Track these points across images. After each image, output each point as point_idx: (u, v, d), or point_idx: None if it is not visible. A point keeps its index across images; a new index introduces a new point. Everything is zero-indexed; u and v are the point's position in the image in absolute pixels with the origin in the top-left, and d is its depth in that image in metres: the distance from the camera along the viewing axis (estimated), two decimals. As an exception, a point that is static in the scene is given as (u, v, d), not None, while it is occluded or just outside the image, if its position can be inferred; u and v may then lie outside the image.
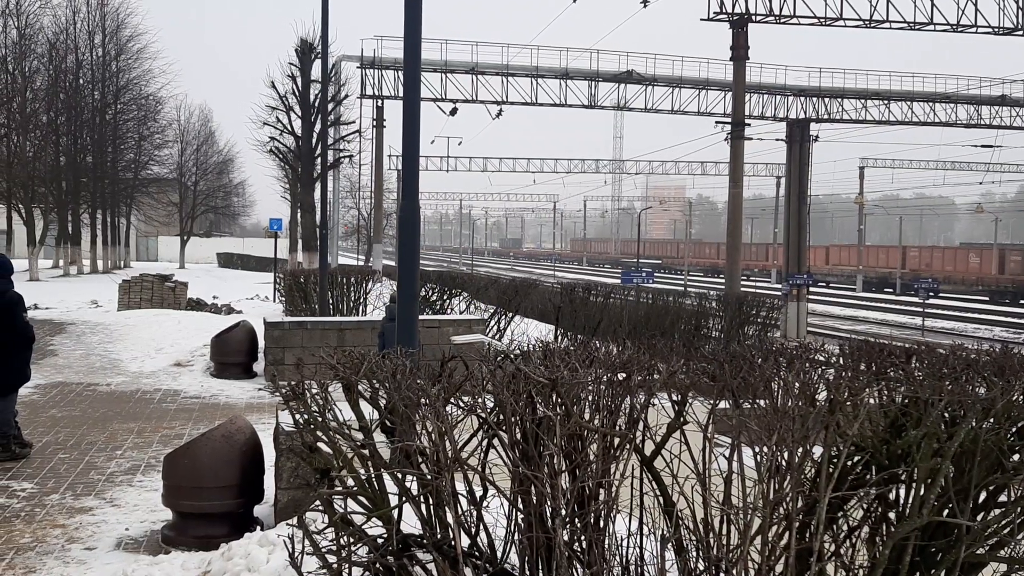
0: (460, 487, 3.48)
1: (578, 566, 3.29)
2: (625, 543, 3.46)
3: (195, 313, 21.73)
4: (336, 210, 47.03)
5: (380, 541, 3.67)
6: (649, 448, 3.51)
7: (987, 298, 51.27)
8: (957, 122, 41.47)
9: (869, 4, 33.11)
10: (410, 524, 3.69)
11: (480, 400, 3.66)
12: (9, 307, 8.77)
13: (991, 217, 72.16)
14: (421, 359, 4.36)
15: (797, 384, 3.32)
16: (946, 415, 3.32)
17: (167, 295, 24.06)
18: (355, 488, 3.75)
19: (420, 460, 3.56)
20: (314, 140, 36.40)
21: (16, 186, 40.16)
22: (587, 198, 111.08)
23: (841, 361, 4.58)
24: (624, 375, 3.59)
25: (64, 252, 46.22)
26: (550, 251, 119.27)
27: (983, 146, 46.91)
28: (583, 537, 3.32)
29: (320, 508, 3.92)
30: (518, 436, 3.44)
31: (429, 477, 3.46)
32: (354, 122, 40.49)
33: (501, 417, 3.52)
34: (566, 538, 3.23)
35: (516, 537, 3.50)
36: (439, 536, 3.54)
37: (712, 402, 3.45)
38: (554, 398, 3.42)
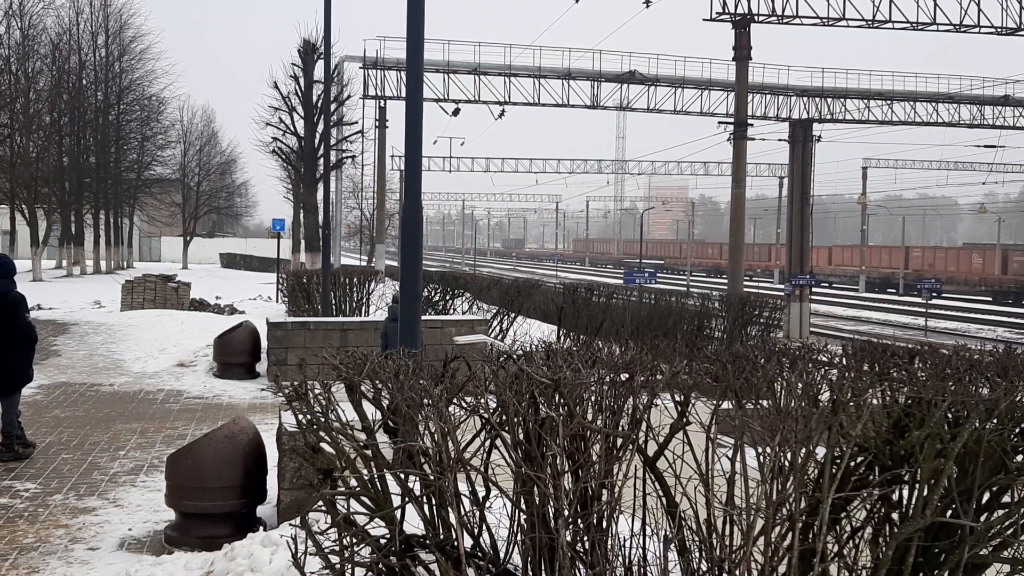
0: (463, 487, 3.48)
1: (581, 567, 3.29)
2: (628, 544, 3.46)
3: (198, 313, 21.74)
4: (339, 210, 47.09)
5: (383, 542, 3.67)
6: (652, 449, 3.51)
7: (990, 298, 51.22)
8: (960, 122, 41.44)
9: (872, 4, 33.10)
10: (413, 525, 3.69)
11: (483, 400, 3.67)
12: (12, 307, 8.79)
13: (994, 217, 72.07)
14: (424, 359, 4.36)
15: (800, 384, 3.32)
16: (949, 416, 3.32)
17: (170, 295, 24.08)
18: (358, 488, 3.75)
19: (423, 460, 3.57)
20: (317, 140, 36.42)
21: (19, 187, 40.21)
22: (590, 198, 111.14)
23: (844, 361, 4.58)
24: (627, 376, 3.59)
25: (67, 252, 46.27)
26: (553, 251, 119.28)
27: (986, 146, 46.91)
28: (586, 538, 3.32)
29: (323, 508, 3.92)
30: (521, 437, 3.44)
31: (432, 477, 3.46)
32: (357, 122, 40.65)
33: (504, 417, 3.52)
34: (569, 539, 3.23)
35: (519, 538, 3.50)
36: (442, 537, 3.54)
37: (715, 403, 3.45)
38: (557, 399, 3.42)
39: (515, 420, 3.44)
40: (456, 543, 3.34)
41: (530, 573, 3.43)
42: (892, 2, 33.10)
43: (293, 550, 3.68)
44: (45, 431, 9.95)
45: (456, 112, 38.77)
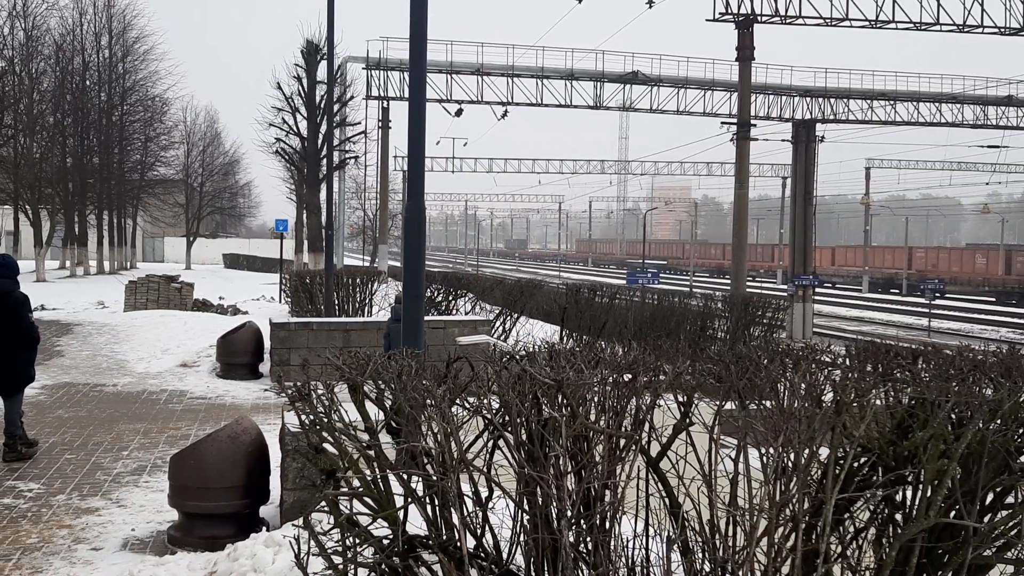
0: (466, 488, 3.48)
1: (584, 567, 3.29)
2: (631, 544, 3.45)
3: (201, 314, 21.75)
4: (342, 211, 47.06)
5: (386, 542, 3.67)
6: (655, 449, 3.50)
7: (993, 299, 51.16)
8: (963, 122, 41.39)
9: (875, 4, 33.08)
10: (416, 525, 3.69)
11: (485, 401, 3.67)
12: (15, 307, 8.80)
13: (997, 218, 71.99)
14: (426, 360, 4.36)
15: (803, 385, 3.32)
16: (953, 416, 3.31)
17: (173, 296, 24.10)
18: (361, 489, 3.75)
19: (426, 461, 3.57)
20: (320, 141, 36.49)
21: (23, 187, 40.29)
22: (592, 199, 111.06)
23: (847, 362, 4.58)
24: (630, 376, 3.59)
25: (71, 253, 46.34)
26: (555, 252, 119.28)
27: (989, 146, 46.84)
28: (589, 538, 3.32)
29: (326, 509, 3.93)
30: (524, 437, 3.44)
31: (435, 478, 3.46)
32: (360, 123, 40.68)
33: (507, 418, 3.52)
34: (572, 539, 3.23)
35: (522, 538, 3.50)
36: (445, 537, 3.54)
37: (718, 403, 3.45)
38: (560, 399, 3.42)
39: (518, 421, 3.44)
40: (459, 544, 3.34)
41: (533, 574, 3.43)
42: (895, 2, 33.07)
43: (296, 550, 3.68)
44: (48, 431, 9.96)
45: (459, 113, 38.79)
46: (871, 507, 3.28)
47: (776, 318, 19.77)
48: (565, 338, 17.09)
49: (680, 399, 3.58)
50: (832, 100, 39.55)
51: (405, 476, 3.62)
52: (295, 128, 37.52)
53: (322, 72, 35.97)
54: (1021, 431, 3.34)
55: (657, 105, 38.19)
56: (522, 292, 21.43)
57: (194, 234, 60.96)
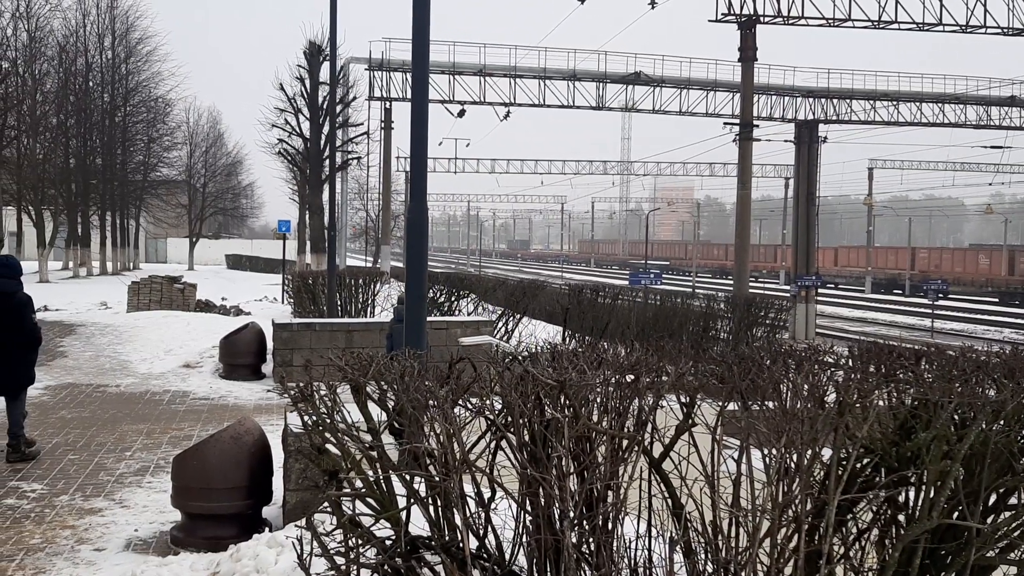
0: (468, 489, 3.48)
1: (587, 568, 3.29)
2: (634, 545, 3.45)
3: (204, 315, 21.77)
4: (344, 212, 47.09)
5: (388, 543, 3.67)
6: (658, 450, 3.50)
7: (996, 299, 51.10)
8: (966, 123, 41.36)
9: (878, 5, 33.07)
10: (418, 526, 3.69)
11: (488, 402, 3.67)
12: (18, 308, 8.81)
13: (1001, 218, 71.90)
14: (429, 361, 4.36)
15: (806, 386, 3.32)
16: (956, 417, 3.31)
17: (176, 297, 24.12)
18: (363, 490, 3.75)
19: (428, 462, 3.57)
20: (322, 142, 36.51)
21: (26, 188, 40.33)
22: (595, 199, 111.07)
23: (850, 363, 4.57)
24: (632, 377, 3.58)
25: (74, 254, 46.40)
26: (558, 252, 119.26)
27: (992, 147, 46.77)
28: (591, 539, 3.32)
29: (328, 510, 3.93)
30: (526, 438, 3.44)
31: (437, 479, 3.47)
32: (362, 124, 40.73)
33: (509, 419, 3.52)
34: (574, 540, 3.23)
35: (524, 539, 3.50)
36: (447, 538, 3.54)
37: (721, 404, 3.45)
38: (562, 400, 3.42)
39: (520, 421, 3.44)
40: (461, 544, 3.34)
41: (535, 575, 3.43)
42: (898, 2, 33.06)
43: (299, 551, 3.68)
44: (52, 432, 9.97)
45: (461, 113, 38.80)
46: (874, 508, 3.27)
47: (779, 319, 19.76)
48: (567, 339, 17.09)
49: (683, 400, 3.58)
50: (835, 100, 39.54)
51: (408, 477, 3.62)
52: (298, 129, 37.56)
53: (324, 73, 36.05)
54: (1024, 432, 3.34)
55: (660, 106, 38.20)
56: (524, 293, 21.44)
57: (197, 235, 61.02)
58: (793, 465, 2.93)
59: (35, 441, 9.10)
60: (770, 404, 3.37)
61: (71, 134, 44.40)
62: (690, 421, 3.49)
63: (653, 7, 31.57)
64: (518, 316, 18.84)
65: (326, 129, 36.21)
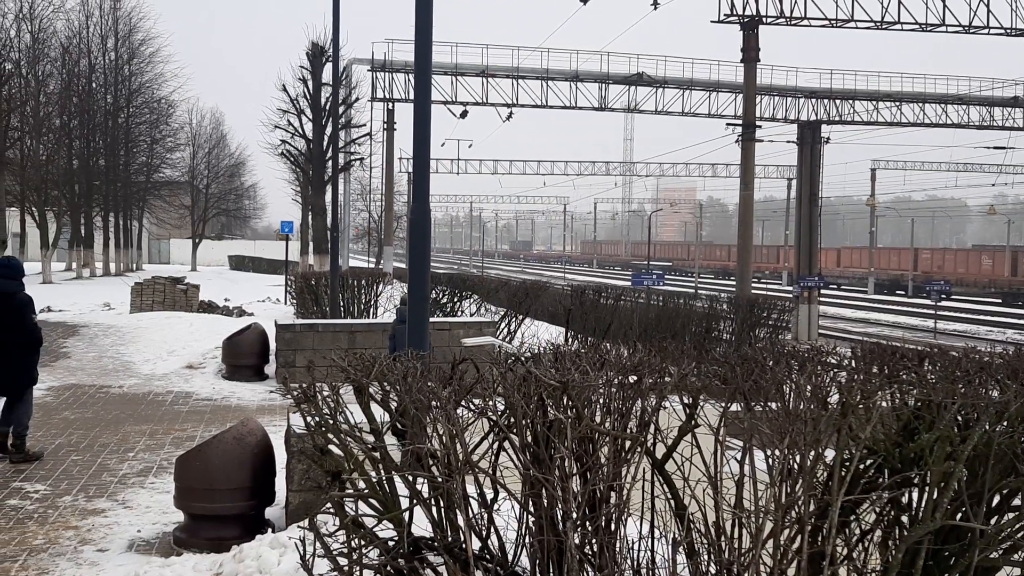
0: (471, 490, 3.48)
1: (589, 569, 3.29)
2: (636, 546, 3.45)
3: (207, 315, 21.79)
4: (347, 213, 47.12)
5: (391, 544, 3.67)
6: (660, 451, 3.50)
7: (999, 300, 51.04)
8: (969, 124, 41.31)
9: (880, 5, 33.03)
10: (421, 527, 3.69)
11: (491, 403, 3.67)
12: (19, 308, 8.81)
13: (1003, 219, 71.79)
14: (432, 362, 4.36)
15: (809, 387, 3.31)
16: (959, 418, 3.30)
17: (179, 297, 24.14)
18: (366, 491, 3.75)
19: (431, 463, 3.57)
20: (325, 143, 36.50)
21: (30, 189, 40.39)
22: (597, 200, 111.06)
23: (853, 364, 4.57)
24: (635, 378, 3.58)
25: (77, 255, 46.45)
26: (560, 253, 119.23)
27: (995, 148, 46.71)
28: (594, 540, 3.32)
29: (331, 510, 3.93)
30: (529, 439, 3.44)
31: (440, 480, 3.47)
32: (365, 125, 40.64)
33: (512, 420, 3.52)
34: (577, 541, 3.23)
35: (527, 540, 3.50)
36: (450, 539, 3.54)
37: (723, 405, 3.44)
38: (565, 401, 3.42)
39: (523, 422, 3.44)
40: (464, 545, 3.34)
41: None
42: (901, 3, 33.03)
43: (301, 552, 3.68)
44: (55, 433, 9.99)
45: (464, 114, 38.81)
46: (877, 509, 3.27)
47: (781, 319, 19.74)
48: (570, 340, 17.08)
49: (685, 401, 3.57)
50: (837, 101, 39.50)
51: (410, 478, 3.62)
52: (300, 130, 37.57)
53: (327, 74, 36.00)
54: (1028, 433, 3.33)
55: (662, 106, 38.18)
56: (527, 294, 21.42)
57: (200, 236, 61.07)
58: (796, 466, 2.93)
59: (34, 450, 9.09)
60: (773, 405, 3.37)
61: (74, 135, 44.46)
62: (693, 422, 3.49)
63: (656, 8, 31.57)
64: (521, 317, 18.84)
65: (329, 130, 36.17)
